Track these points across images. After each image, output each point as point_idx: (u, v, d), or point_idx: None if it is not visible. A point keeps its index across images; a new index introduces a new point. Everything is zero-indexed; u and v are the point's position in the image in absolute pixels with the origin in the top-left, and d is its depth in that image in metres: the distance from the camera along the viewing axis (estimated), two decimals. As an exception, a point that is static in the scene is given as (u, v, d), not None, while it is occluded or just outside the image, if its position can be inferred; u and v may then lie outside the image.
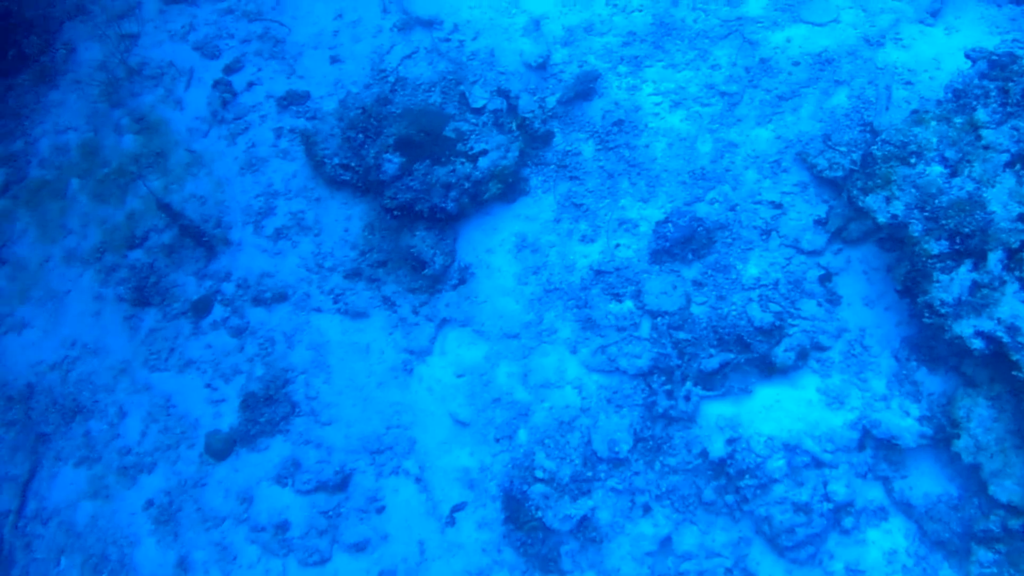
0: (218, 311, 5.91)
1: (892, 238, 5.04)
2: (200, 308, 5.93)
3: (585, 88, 5.79)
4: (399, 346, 5.65)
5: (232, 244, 6.04)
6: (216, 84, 6.44)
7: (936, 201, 4.57)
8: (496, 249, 5.70)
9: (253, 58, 6.50)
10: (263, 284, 5.91)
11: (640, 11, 6.03)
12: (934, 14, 5.68)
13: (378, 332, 5.71)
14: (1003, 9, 5.65)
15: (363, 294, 5.77)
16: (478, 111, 5.78)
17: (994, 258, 4.45)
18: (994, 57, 4.99)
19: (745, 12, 5.88)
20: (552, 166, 5.77)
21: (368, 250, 5.83)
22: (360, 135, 5.76)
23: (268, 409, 5.63)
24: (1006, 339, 4.36)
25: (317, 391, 5.65)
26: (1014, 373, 4.36)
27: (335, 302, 5.79)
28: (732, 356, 5.09)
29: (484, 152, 5.59)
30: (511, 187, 5.73)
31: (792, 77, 5.59)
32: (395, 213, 5.60)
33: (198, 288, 5.97)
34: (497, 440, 5.38)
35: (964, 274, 4.50)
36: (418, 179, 5.49)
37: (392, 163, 5.52)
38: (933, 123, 4.75)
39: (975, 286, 4.47)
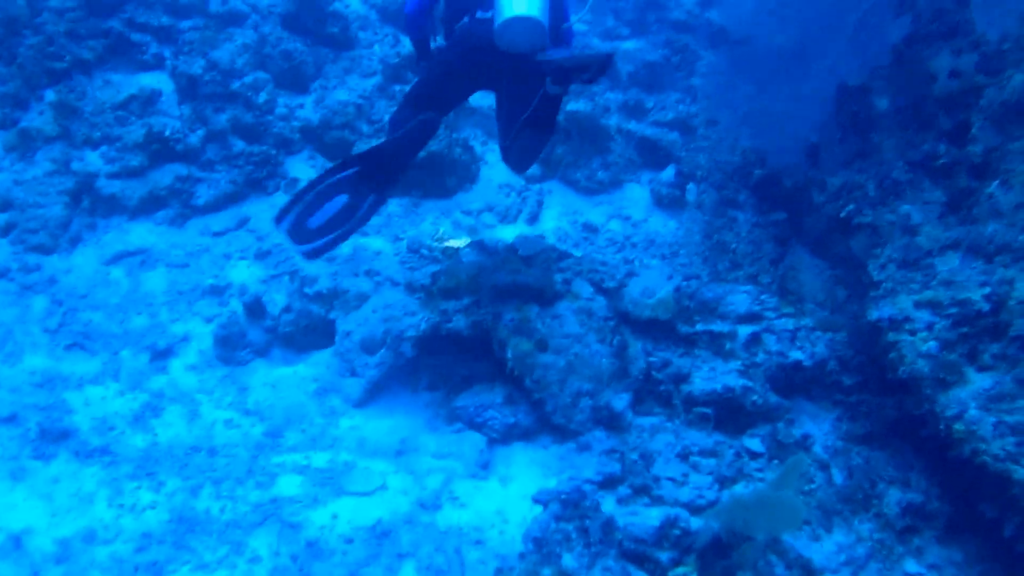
0: None
1: None
2: None
3: (96, 621, 5.62)
4: None
5: None
6: None
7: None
8: None
9: None
10: None
11: (153, 508, 6.21)
12: (485, 467, 6.48)
13: None
14: (549, 451, 6.59)
15: None
16: None
17: None
18: (563, 496, 5.87)
19: (279, 493, 6.30)
20: None
21: None
22: None
23: None
24: None
25: None
26: None
27: None
28: None
29: None
30: None
31: (348, 557, 5.93)
32: None
33: None
34: None
35: None
36: None
37: None
38: (522, 580, 5.23)
39: None
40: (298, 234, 6.12)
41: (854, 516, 6.07)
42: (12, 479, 6.47)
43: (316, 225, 6.12)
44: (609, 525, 5.50)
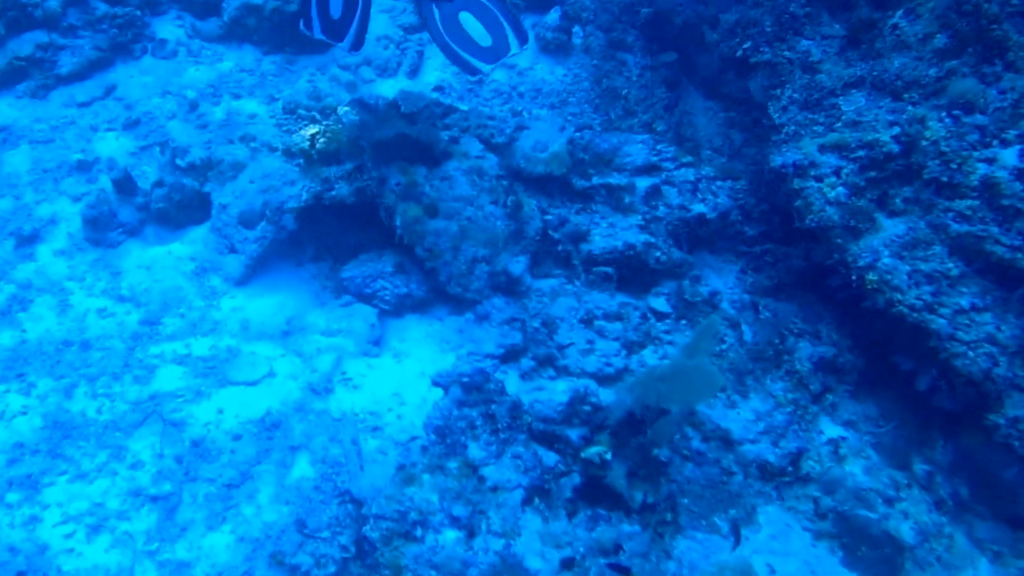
0: None
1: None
2: None
3: (-35, 537, 4.86)
4: None
5: None
6: None
7: (467, 578, 4.17)
8: None
9: None
10: None
11: (25, 414, 5.42)
12: (377, 343, 5.82)
13: None
14: (445, 323, 5.93)
15: None
16: None
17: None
18: (465, 379, 5.07)
19: (159, 387, 5.53)
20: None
21: None
22: None
23: None
24: None
25: None
26: None
27: None
28: None
29: None
30: None
31: (237, 456, 5.23)
32: None
33: None
34: None
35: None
36: None
37: None
38: (426, 476, 4.49)
39: None
40: (331, 30, 5.44)
41: (766, 375, 5.42)
42: None
43: (341, 9, 5.38)
44: (516, 408, 4.73)
